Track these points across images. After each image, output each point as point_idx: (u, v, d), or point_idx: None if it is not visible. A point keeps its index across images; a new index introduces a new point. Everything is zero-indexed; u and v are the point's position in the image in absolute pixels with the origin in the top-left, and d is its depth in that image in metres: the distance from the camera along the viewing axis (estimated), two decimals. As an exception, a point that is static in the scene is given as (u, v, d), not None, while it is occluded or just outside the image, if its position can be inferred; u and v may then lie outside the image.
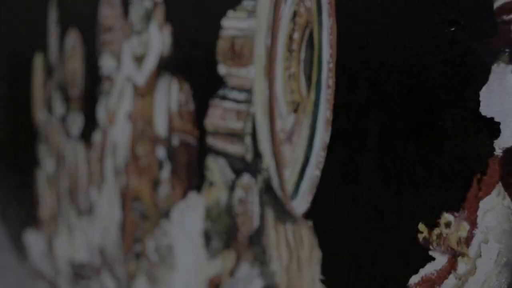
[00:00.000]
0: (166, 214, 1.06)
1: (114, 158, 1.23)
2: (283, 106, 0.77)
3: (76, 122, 1.40)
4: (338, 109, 0.69)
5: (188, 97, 0.98)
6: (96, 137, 1.31)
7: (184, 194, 1.00)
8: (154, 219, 1.09)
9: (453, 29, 0.55)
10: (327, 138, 0.70)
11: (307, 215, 0.74)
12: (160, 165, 1.07)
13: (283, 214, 0.78)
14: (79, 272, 1.44)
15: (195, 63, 0.96)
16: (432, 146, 0.58)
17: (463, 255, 0.56)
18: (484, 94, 0.53)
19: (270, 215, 0.81)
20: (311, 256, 0.74)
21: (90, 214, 1.37)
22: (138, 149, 1.13)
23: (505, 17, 0.51)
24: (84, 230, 1.40)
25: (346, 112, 0.67)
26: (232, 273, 0.89)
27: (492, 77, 0.52)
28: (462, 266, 0.56)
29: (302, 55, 0.73)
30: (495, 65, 0.52)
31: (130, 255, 1.20)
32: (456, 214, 0.56)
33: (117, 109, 1.21)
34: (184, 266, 1.01)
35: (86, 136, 1.37)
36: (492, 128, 0.52)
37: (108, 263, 1.29)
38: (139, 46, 1.11)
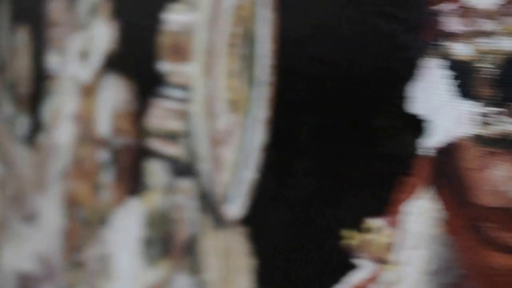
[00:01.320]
0: (106, 221, 1.04)
1: (58, 161, 1.21)
2: (222, 105, 0.76)
3: (23, 123, 1.39)
4: (275, 107, 0.68)
5: (131, 96, 0.97)
6: (40, 139, 1.30)
7: (124, 199, 0.99)
8: (94, 226, 1.08)
9: (384, 21, 0.55)
10: (263, 139, 0.69)
11: (242, 221, 0.73)
12: (102, 168, 1.05)
13: (218, 220, 0.77)
14: (25, 283, 1.42)
15: (139, 60, 0.95)
16: (361, 146, 0.57)
17: (387, 262, 0.55)
18: (412, 90, 0.52)
19: (205, 221, 0.80)
20: (243, 264, 0.73)
21: (35, 221, 1.35)
22: (80, 151, 1.12)
23: (433, 10, 0.50)
24: (29, 238, 1.38)
25: (283, 111, 0.67)
26: (168, 283, 0.87)
27: (420, 72, 0.51)
28: (387, 274, 0.55)
29: (242, 50, 0.73)
30: (423, 59, 0.51)
31: (71, 264, 1.18)
32: (380, 218, 0.55)
33: (62, 109, 1.19)
34: (123, 275, 0.99)
35: (31, 138, 1.36)
36: (418, 126, 0.52)
37: (51, 272, 1.27)
38: (84, 42, 1.10)
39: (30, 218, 1.38)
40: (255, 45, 0.70)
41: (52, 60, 1.24)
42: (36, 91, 1.32)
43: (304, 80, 0.64)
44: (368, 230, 0.56)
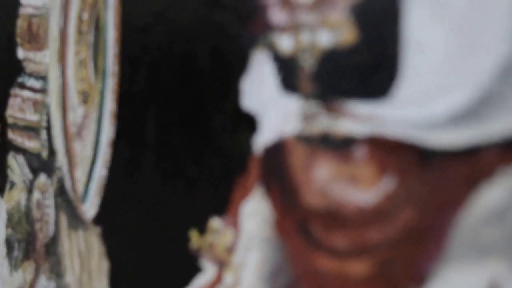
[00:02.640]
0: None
1: None
2: (74, 96, 0.75)
3: None
4: (122, 99, 0.67)
5: (-9, 85, 0.94)
6: None
7: (-12, 197, 0.96)
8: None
9: (216, 11, 0.54)
10: (112, 133, 0.68)
11: (96, 220, 0.72)
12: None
13: (75, 219, 0.76)
14: None
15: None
16: (201, 142, 0.57)
17: (228, 265, 0.55)
18: (245, 84, 0.52)
19: (63, 220, 0.78)
20: (100, 266, 0.72)
21: None
22: None
23: (264, 1, 0.50)
24: None
25: (129, 103, 0.66)
26: (32, 286, 0.86)
27: (251, 65, 0.51)
28: (228, 277, 0.55)
29: (91, 38, 0.71)
30: (254, 51, 0.51)
31: None
32: (223, 218, 0.55)
33: None
34: (-11, 279, 0.97)
35: None
36: (252, 122, 0.52)
37: None
38: None
39: None
40: (101, 33, 0.69)
41: None
42: None
43: (145, 71, 0.64)
44: (210, 231, 0.56)
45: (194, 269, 0.59)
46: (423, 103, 0.41)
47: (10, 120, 0.89)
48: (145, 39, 0.63)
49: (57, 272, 0.80)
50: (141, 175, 0.65)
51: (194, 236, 0.58)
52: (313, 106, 0.46)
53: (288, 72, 0.48)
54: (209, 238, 0.56)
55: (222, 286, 0.55)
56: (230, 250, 0.55)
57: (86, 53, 0.72)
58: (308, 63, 0.46)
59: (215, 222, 0.56)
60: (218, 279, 0.56)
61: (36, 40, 0.82)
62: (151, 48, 0.62)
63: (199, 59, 0.57)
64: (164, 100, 0.61)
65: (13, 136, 0.88)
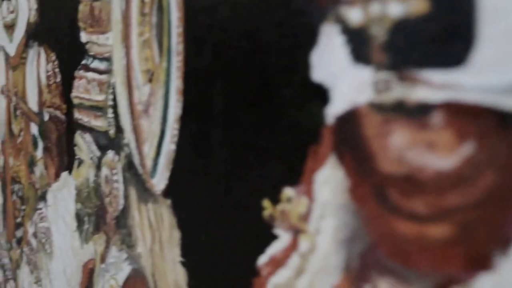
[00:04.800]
0: (42, 197, 1.03)
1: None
2: (139, 76, 0.75)
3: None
4: (188, 77, 0.67)
5: (55, 68, 0.95)
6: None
7: (56, 174, 0.97)
8: (32, 202, 1.06)
9: (283, -13, 0.53)
10: (179, 109, 0.68)
11: (166, 192, 0.72)
12: (34, 143, 1.03)
13: (145, 192, 0.76)
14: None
15: (60, 30, 0.93)
16: (270, 116, 0.56)
17: (303, 232, 0.54)
18: (314, 57, 0.51)
19: (133, 194, 0.79)
20: (171, 237, 0.72)
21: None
22: (13, 126, 1.10)
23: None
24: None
25: (195, 81, 0.66)
26: (103, 258, 0.87)
27: (320, 38, 0.50)
28: (303, 244, 0.55)
29: (154, 19, 0.71)
30: (322, 25, 0.50)
31: (13, 242, 1.17)
32: (295, 188, 0.55)
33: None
34: (61, 252, 0.98)
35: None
36: (323, 94, 0.51)
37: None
38: (8, 13, 1.07)
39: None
40: (165, 14, 0.68)
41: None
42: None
43: (210, 48, 0.63)
44: (284, 200, 0.56)
45: (267, 238, 0.58)
46: (502, 69, 0.40)
47: (76, 101, 0.89)
48: (209, 18, 0.62)
49: (128, 243, 0.81)
50: (209, 149, 0.65)
51: (267, 206, 0.57)
52: (386, 75, 0.45)
53: (359, 44, 0.47)
54: (283, 207, 0.56)
55: (297, 252, 0.55)
56: (305, 217, 0.54)
57: (150, 34, 0.72)
58: (379, 34, 0.45)
59: (288, 192, 0.55)
60: (293, 245, 0.56)
61: (98, 24, 0.82)
62: (215, 26, 0.62)
63: (265, 35, 0.56)
64: (230, 77, 0.61)
65: (80, 116, 0.89)
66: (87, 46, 0.85)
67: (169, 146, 0.70)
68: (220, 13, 0.61)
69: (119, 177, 0.81)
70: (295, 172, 0.55)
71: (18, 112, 1.07)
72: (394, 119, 0.46)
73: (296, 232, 0.55)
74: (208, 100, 0.64)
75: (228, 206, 0.63)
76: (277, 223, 0.57)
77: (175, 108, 0.69)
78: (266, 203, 0.58)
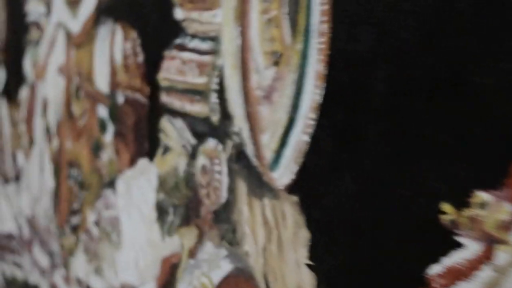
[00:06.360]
0: (110, 184, 0.92)
1: (45, 117, 1.07)
2: (260, 58, 0.64)
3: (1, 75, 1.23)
4: (334, 61, 0.57)
5: (135, 47, 0.84)
6: (22, 93, 1.15)
7: (131, 161, 0.87)
8: (95, 189, 0.95)
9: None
10: (318, 97, 0.58)
11: (292, 188, 0.62)
12: (102, 126, 0.92)
13: (260, 186, 0.66)
14: (5, 244, 1.29)
15: (144, 6, 0.82)
16: (460, 108, 0.47)
17: (503, 242, 0.45)
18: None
19: (242, 187, 0.69)
20: (295, 237, 0.62)
21: (17, 180, 1.22)
22: (74, 107, 0.98)
23: None
24: (10, 198, 1.25)
25: (345, 65, 0.56)
26: (192, 253, 0.77)
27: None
28: (501, 256, 0.45)
29: (286, -6, 0.61)
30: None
31: (66, 228, 1.06)
32: (494, 192, 0.45)
33: (48, 61, 1.05)
34: (132, 243, 0.88)
35: (9, 92, 1.21)
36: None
37: (40, 236, 1.15)
38: (73, -13, 0.95)
39: (11, 177, 1.24)
40: (308, -12, 0.58)
41: (34, 9, 1.08)
42: (14, 42, 1.16)
43: (369, 29, 0.53)
44: (476, 205, 0.46)
45: (440, 245, 0.49)
46: None
47: (164, 83, 0.79)
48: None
49: (230, 240, 0.71)
50: (360, 142, 0.55)
51: (448, 210, 0.48)
52: None
53: None
54: (473, 212, 0.47)
55: (491, 265, 0.46)
56: (506, 226, 0.45)
57: (279, 11, 0.62)
58: None
59: (483, 196, 0.46)
60: (486, 257, 0.47)
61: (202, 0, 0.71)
62: (374, 4, 0.52)
63: (458, 14, 0.46)
64: (399, 60, 0.51)
65: (169, 99, 0.78)
66: (184, 24, 0.74)
67: (300, 137, 0.60)
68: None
69: (222, 168, 0.71)
70: (494, 174, 0.45)
71: (81, 93, 0.95)
72: None
73: (491, 242, 0.46)
74: (364, 87, 0.54)
75: (384, 207, 0.53)
76: (462, 230, 0.48)
77: (312, 95, 0.59)
78: (447, 207, 0.48)
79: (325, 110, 0.58)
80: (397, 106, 0.52)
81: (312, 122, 0.59)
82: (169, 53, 0.77)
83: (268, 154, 0.64)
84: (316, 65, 0.58)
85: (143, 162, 0.84)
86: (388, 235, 0.54)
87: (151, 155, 0.83)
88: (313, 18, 0.58)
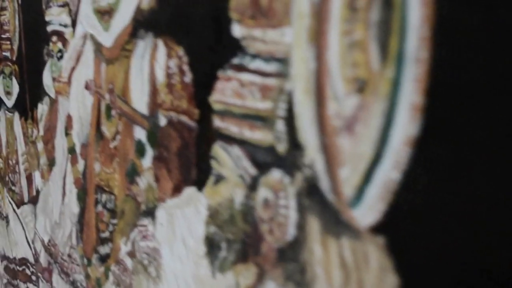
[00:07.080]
0: (148, 212, 0.88)
1: (68, 137, 1.03)
2: (340, 84, 0.61)
3: (12, 88, 1.18)
4: (434, 91, 0.53)
5: (181, 65, 0.79)
6: (40, 109, 1.11)
7: (175, 189, 0.82)
8: (129, 217, 0.91)
9: None
10: (413, 130, 0.54)
11: (378, 229, 0.58)
12: (140, 150, 0.88)
13: (337, 225, 0.62)
14: (20, 270, 1.24)
15: (193, 21, 0.77)
16: None
17: None
18: None
19: (314, 224, 0.65)
20: (380, 281, 0.59)
21: (33, 203, 1.17)
22: (104, 127, 0.94)
23: None
24: (26, 221, 1.20)
25: (448, 96, 0.52)
26: (251, 292, 0.73)
27: None
28: None
29: (374, 15, 0.57)
30: None
31: (92, 258, 1.01)
32: None
33: (73, 76, 1.00)
34: (175, 278, 0.84)
35: (24, 107, 1.16)
36: None
37: (60, 264, 1.10)
38: (105, -3, 0.91)
39: (26, 199, 1.20)
40: (396, 10, 0.54)
41: (56, 18, 1.03)
42: (31, 53, 1.11)
43: (479, 55, 0.50)
44: None
45: None
46: None
47: (218, 107, 0.75)
48: (480, 14, 0.48)
49: (298, 281, 0.67)
50: (464, 180, 0.51)
51: None
52: None
53: None
54: None
55: None
56: None
57: (365, 34, 0.58)
58: None
59: None
60: None
61: (266, 16, 0.67)
62: (491, 25, 0.48)
63: None
64: (507, 95, 0.47)
65: (223, 124, 0.74)
66: (244, 43, 0.70)
67: (389, 173, 0.57)
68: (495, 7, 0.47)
69: (289, 202, 0.67)
70: None
71: (113, 112, 0.91)
72: None
73: None
74: (464, 120, 0.50)
75: (490, 253, 0.50)
76: None
77: (405, 128, 0.55)
78: None
79: (423, 145, 0.54)
80: (506, 143, 0.48)
81: (405, 158, 0.55)
82: (224, 73, 0.73)
83: (348, 190, 0.61)
84: (412, 96, 0.54)
85: (190, 191, 0.80)
86: (496, 285, 0.50)
87: (199, 184, 0.79)
88: (408, 44, 0.54)
